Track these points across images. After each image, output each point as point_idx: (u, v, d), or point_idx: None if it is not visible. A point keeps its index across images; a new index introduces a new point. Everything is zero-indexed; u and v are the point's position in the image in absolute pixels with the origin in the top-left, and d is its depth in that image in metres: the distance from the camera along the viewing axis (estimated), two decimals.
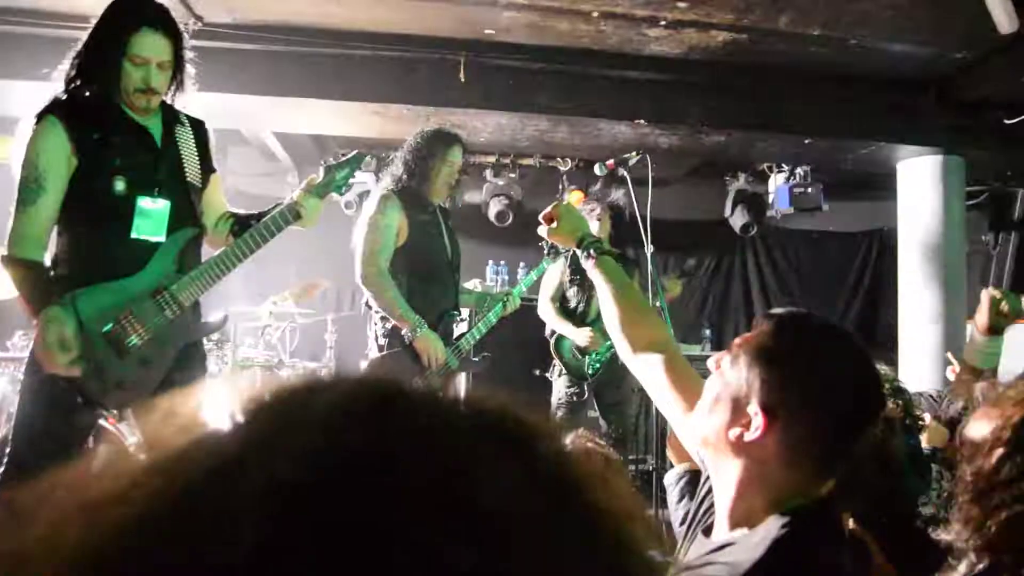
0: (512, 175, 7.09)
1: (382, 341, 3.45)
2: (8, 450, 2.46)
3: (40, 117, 2.39)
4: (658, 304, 3.86)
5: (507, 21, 4.56)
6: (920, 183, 5.82)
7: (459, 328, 3.71)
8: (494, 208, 6.97)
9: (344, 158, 2.74)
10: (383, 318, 3.43)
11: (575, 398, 4.52)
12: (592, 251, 1.81)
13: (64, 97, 2.44)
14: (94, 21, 2.44)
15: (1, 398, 4.34)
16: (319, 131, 6.13)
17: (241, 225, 2.63)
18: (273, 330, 5.43)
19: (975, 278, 5.91)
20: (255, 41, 4.71)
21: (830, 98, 5.28)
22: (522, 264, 6.93)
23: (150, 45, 2.37)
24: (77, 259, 2.41)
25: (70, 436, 2.44)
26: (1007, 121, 5.08)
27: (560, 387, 4.58)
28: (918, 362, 5.74)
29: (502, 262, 6.91)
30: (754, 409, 1.20)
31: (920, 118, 5.35)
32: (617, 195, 4.43)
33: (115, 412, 2.53)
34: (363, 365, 3.47)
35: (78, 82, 2.40)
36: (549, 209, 1.92)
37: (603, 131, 5.46)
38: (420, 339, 3.37)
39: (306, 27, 4.76)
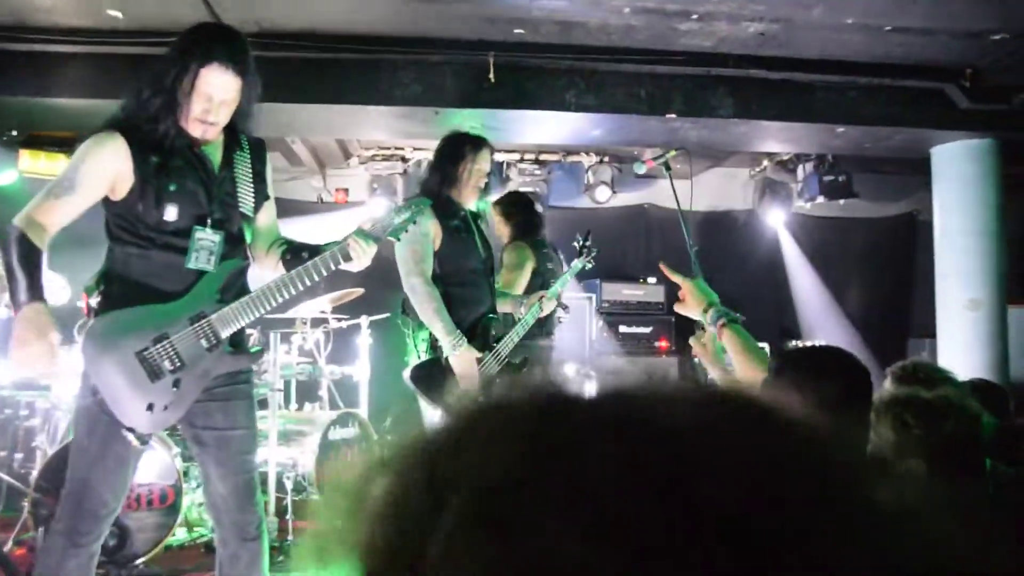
0: (537, 172, 7.06)
1: (422, 347, 3.43)
2: (69, 472, 2.49)
3: (105, 128, 2.40)
4: None
5: (536, 20, 4.52)
6: (955, 168, 5.74)
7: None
8: None
9: (407, 205, 2.68)
10: (425, 326, 3.40)
11: None
12: (724, 319, 1.95)
13: (131, 116, 2.44)
14: (172, 42, 2.43)
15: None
16: (345, 135, 6.11)
17: (293, 253, 2.60)
18: (308, 335, 5.43)
19: (1013, 264, 5.83)
20: (282, 49, 4.69)
21: (863, 86, 5.21)
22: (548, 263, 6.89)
23: (217, 82, 2.36)
24: (128, 280, 2.41)
25: (121, 453, 2.45)
26: None
27: None
28: (957, 349, 5.68)
29: None
30: None
31: (955, 103, 5.27)
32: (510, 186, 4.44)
33: (141, 434, 2.51)
34: (406, 374, 3.44)
35: (145, 102, 2.39)
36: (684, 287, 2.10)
37: (633, 126, 5.41)
38: (458, 357, 3.33)
39: (332, 33, 4.73)
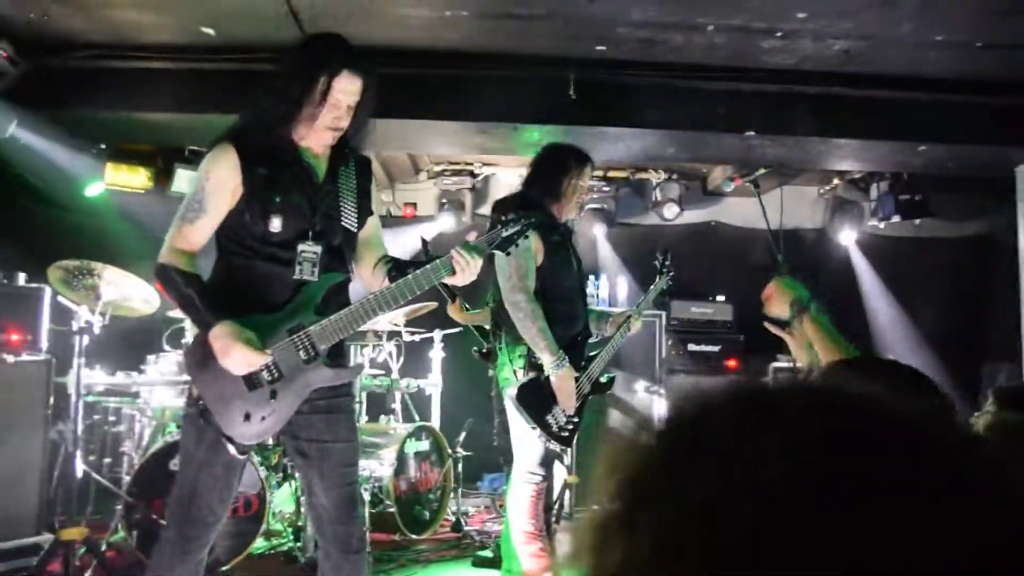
0: (606, 189, 7.06)
1: (519, 363, 3.39)
2: (178, 479, 2.54)
3: (218, 142, 2.47)
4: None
5: (619, 38, 4.54)
6: None
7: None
8: (589, 222, 6.95)
9: (516, 218, 2.63)
10: (524, 343, 3.36)
11: None
12: (809, 310, 1.98)
13: (246, 127, 2.51)
14: (284, 58, 2.50)
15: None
16: (423, 150, 6.19)
17: (399, 270, 2.61)
18: (382, 348, 5.49)
19: None
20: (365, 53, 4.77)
21: (948, 102, 5.11)
22: (622, 278, 6.90)
23: (349, 88, 2.43)
24: (231, 291, 2.45)
25: (229, 462, 2.50)
26: None
27: None
28: None
29: (600, 275, 6.86)
30: None
31: None
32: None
33: (240, 444, 2.54)
34: (510, 392, 3.42)
35: (266, 114, 2.46)
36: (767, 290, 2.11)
37: (709, 143, 5.39)
38: (560, 376, 3.30)
39: (416, 49, 4.79)
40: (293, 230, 2.48)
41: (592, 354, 3.60)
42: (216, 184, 2.43)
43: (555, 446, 3.38)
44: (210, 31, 4.59)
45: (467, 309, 4.72)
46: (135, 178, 6.10)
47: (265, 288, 2.48)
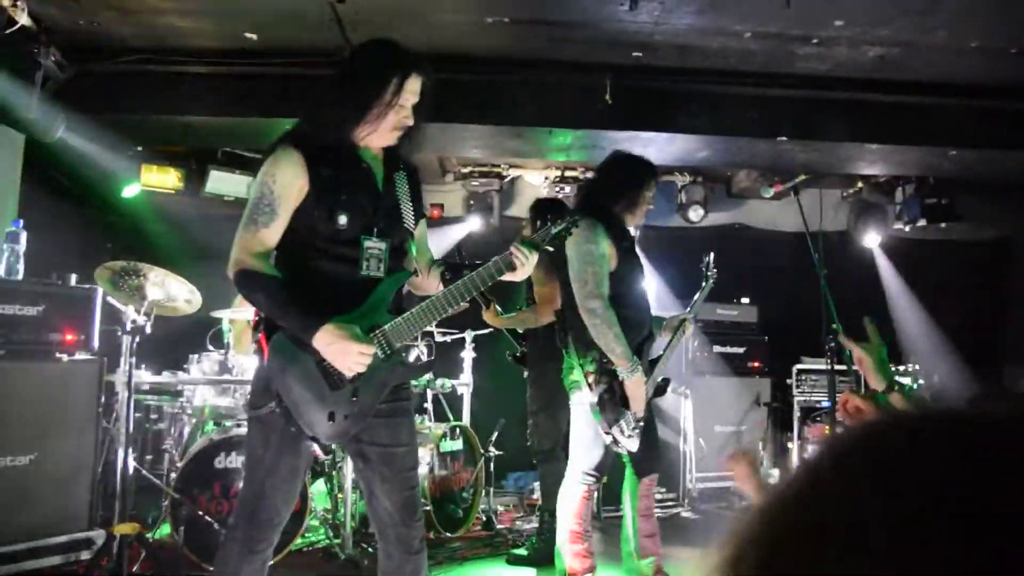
0: None
1: (590, 369, 3.41)
2: (245, 480, 2.60)
3: (279, 145, 2.50)
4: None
5: (656, 44, 4.59)
6: None
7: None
8: None
9: (563, 217, 2.67)
10: (595, 348, 3.38)
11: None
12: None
13: (302, 130, 2.57)
14: (347, 61, 2.56)
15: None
16: (456, 152, 6.25)
17: (452, 271, 2.65)
18: (414, 348, 5.55)
19: None
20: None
21: (979, 108, 5.15)
22: (649, 280, 6.93)
23: (415, 89, 2.50)
24: (302, 287, 2.46)
25: (295, 465, 2.56)
26: None
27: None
28: None
29: None
30: None
31: None
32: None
33: (325, 443, 2.62)
34: (588, 399, 3.45)
35: (332, 117, 2.49)
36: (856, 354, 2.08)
37: (741, 148, 5.44)
38: (633, 382, 3.34)
39: (453, 54, 4.86)
40: (359, 227, 2.52)
41: (654, 358, 3.66)
42: (283, 185, 2.47)
43: (622, 449, 3.45)
44: (252, 36, 4.66)
45: (501, 314, 4.80)
46: (167, 179, 6.19)
47: (335, 287, 2.50)
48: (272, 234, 2.47)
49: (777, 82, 4.97)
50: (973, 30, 4.36)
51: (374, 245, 2.56)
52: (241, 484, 2.59)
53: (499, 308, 4.86)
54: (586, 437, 3.49)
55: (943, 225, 6.72)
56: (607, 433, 3.36)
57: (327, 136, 2.51)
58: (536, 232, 2.68)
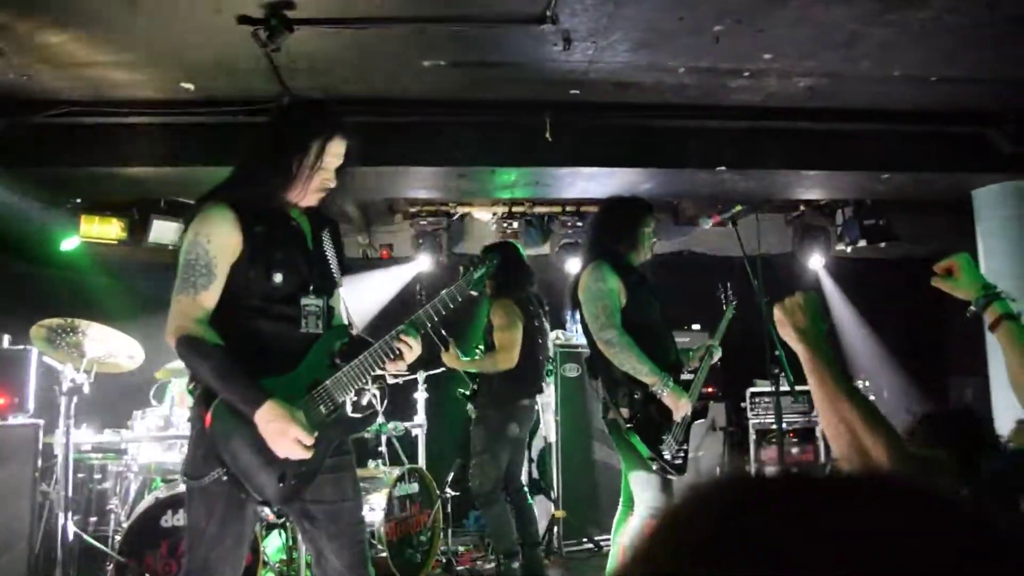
0: (579, 224, 7.17)
1: (623, 403, 3.50)
2: (188, 555, 2.52)
3: (208, 203, 2.47)
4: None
5: (592, 82, 4.67)
6: (997, 210, 5.82)
7: None
8: (564, 257, 7.05)
9: (481, 261, 2.71)
10: (625, 380, 3.47)
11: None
12: (1000, 310, 1.73)
13: (233, 188, 2.54)
14: (271, 125, 2.55)
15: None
16: (403, 194, 6.25)
17: (353, 348, 2.58)
18: (366, 392, 5.49)
19: None
20: (345, 114, 4.82)
21: (908, 133, 5.32)
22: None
23: (339, 151, 2.50)
24: (241, 347, 2.41)
25: (240, 532, 2.49)
26: None
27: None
28: (1008, 389, 5.68)
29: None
30: None
31: (998, 147, 5.37)
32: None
33: (277, 506, 2.56)
34: (623, 434, 3.53)
35: (262, 177, 2.49)
36: (949, 260, 1.87)
37: (683, 179, 5.53)
38: (670, 394, 3.46)
39: (393, 99, 4.88)
40: (294, 284, 2.50)
41: (686, 379, 3.77)
42: (219, 245, 2.44)
43: (672, 475, 3.51)
44: (189, 86, 4.63)
45: (461, 356, 4.87)
46: (109, 229, 6.08)
47: (275, 346, 2.47)
48: (211, 296, 2.42)
49: (713, 114, 5.08)
50: (895, 60, 4.52)
51: (312, 302, 2.54)
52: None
53: (458, 351, 4.92)
54: (640, 474, 3.54)
55: (883, 245, 6.88)
56: (652, 460, 3.43)
57: (258, 200, 2.50)
58: (461, 278, 2.70)
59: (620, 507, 3.76)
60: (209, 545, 2.44)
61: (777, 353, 3.94)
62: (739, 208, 3.94)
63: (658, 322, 3.73)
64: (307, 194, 2.52)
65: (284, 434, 2.31)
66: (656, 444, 3.46)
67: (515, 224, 7.03)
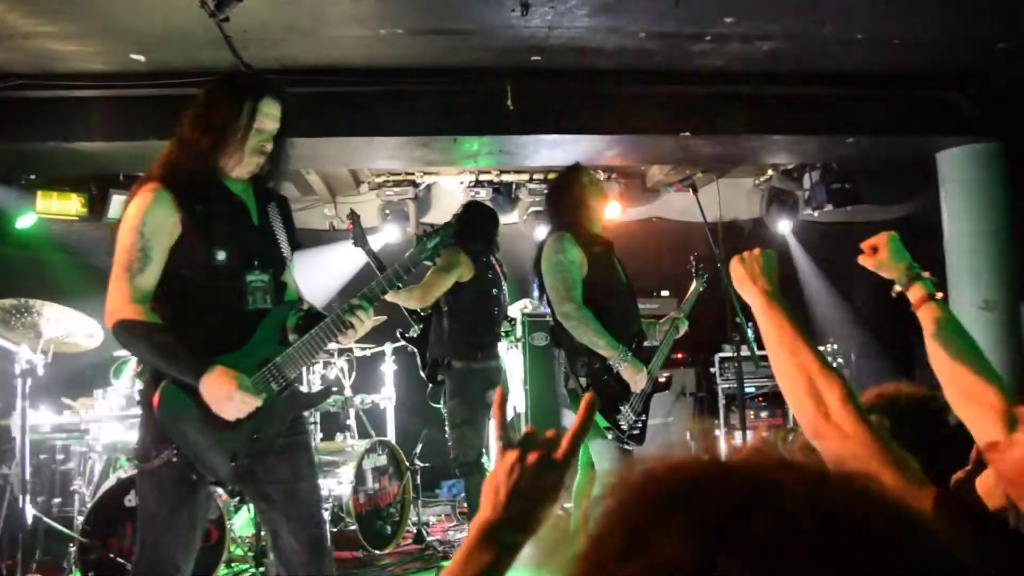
0: (547, 191, 7.12)
1: (582, 373, 3.57)
2: (140, 538, 2.49)
3: (145, 185, 2.43)
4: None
5: (553, 48, 4.59)
6: (961, 172, 5.83)
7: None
8: (532, 225, 7.01)
9: (434, 229, 2.72)
10: (584, 351, 3.51)
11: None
12: (924, 288, 1.71)
13: (168, 167, 2.48)
14: (199, 98, 2.48)
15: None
16: (364, 165, 6.17)
17: (308, 321, 2.59)
18: (333, 365, 5.47)
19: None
20: (302, 84, 4.73)
21: (871, 96, 5.30)
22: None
23: (272, 112, 2.48)
24: (187, 328, 2.40)
25: (192, 514, 2.47)
26: None
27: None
28: None
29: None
30: None
31: (960, 109, 5.37)
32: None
33: (230, 485, 2.55)
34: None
35: (193, 146, 2.44)
36: (875, 238, 1.84)
37: (647, 145, 5.49)
38: (628, 366, 3.49)
39: (351, 67, 4.79)
40: (239, 261, 2.47)
41: (650, 356, 3.79)
42: (155, 228, 2.39)
43: (629, 445, 3.53)
44: (140, 58, 4.51)
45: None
46: (68, 205, 5.95)
47: (222, 324, 2.45)
48: (149, 280, 2.38)
49: (677, 79, 5.02)
50: (856, 23, 4.47)
51: (257, 278, 2.52)
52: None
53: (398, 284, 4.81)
54: (598, 442, 3.58)
55: (849, 209, 6.91)
56: (608, 430, 3.46)
57: (193, 168, 2.44)
58: (414, 247, 2.68)
59: (579, 472, 3.78)
60: (161, 528, 2.42)
61: (738, 319, 3.96)
62: (700, 174, 3.93)
63: (621, 292, 3.73)
64: (244, 158, 2.48)
65: (229, 398, 2.30)
66: (613, 414, 3.48)
67: (482, 193, 6.98)
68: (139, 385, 4.49)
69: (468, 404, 4.65)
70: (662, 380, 3.83)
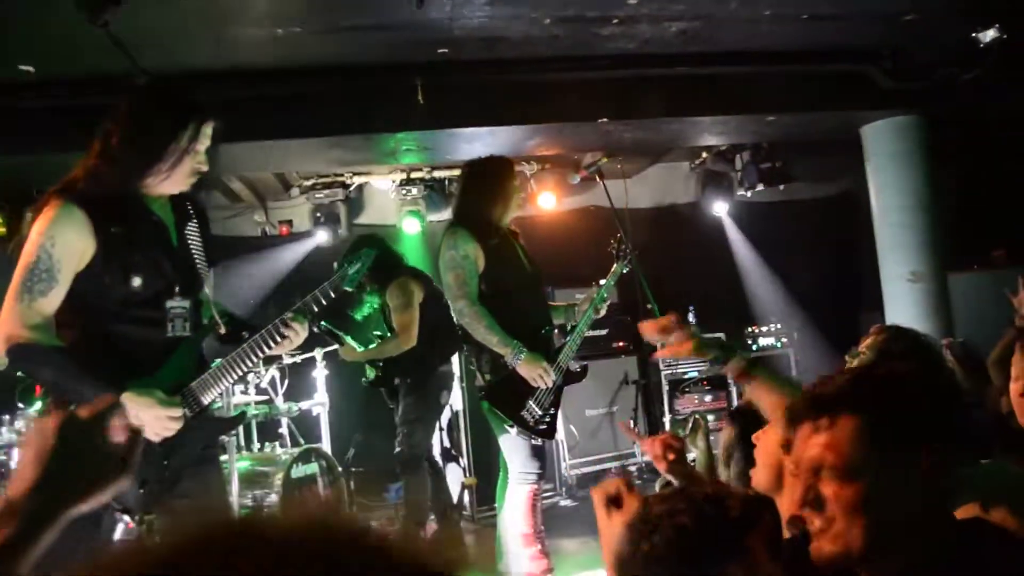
0: None
1: (486, 369, 3.53)
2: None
3: (57, 201, 2.27)
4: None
5: (459, 40, 4.52)
6: (885, 146, 5.86)
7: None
8: None
9: (356, 259, 2.65)
10: (485, 349, 3.47)
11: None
12: (743, 364, 1.75)
13: (83, 183, 2.33)
14: (129, 110, 2.35)
15: None
16: (283, 168, 6.05)
17: (236, 329, 2.56)
18: (263, 374, 5.37)
19: (950, 233, 5.95)
20: (207, 91, 4.60)
21: (787, 73, 5.29)
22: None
23: (208, 132, 2.39)
24: (99, 354, 2.30)
25: (93, 540, 2.37)
26: (964, 78, 5.10)
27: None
28: (904, 320, 5.78)
29: None
30: None
31: (877, 83, 5.37)
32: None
33: (137, 514, 2.46)
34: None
35: (100, 168, 2.30)
36: (657, 321, 1.83)
37: (566, 133, 5.44)
38: (523, 363, 3.43)
39: (256, 70, 4.67)
40: (157, 287, 2.37)
41: (559, 345, 3.69)
42: (64, 248, 2.25)
43: (537, 440, 3.47)
44: (29, 68, 4.36)
45: (362, 347, 4.92)
46: None
47: (137, 352, 2.34)
48: (51, 303, 2.25)
49: (590, 64, 4.97)
50: (763, 0, 4.45)
51: (177, 305, 2.42)
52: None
53: (355, 343, 4.90)
54: (505, 439, 3.53)
55: (781, 187, 6.92)
56: (511, 426, 3.40)
57: (116, 185, 2.32)
58: (335, 274, 2.60)
59: (500, 472, 3.73)
60: (59, 561, 2.32)
61: (649, 306, 3.92)
62: (605, 159, 3.88)
63: (523, 285, 3.66)
64: (176, 179, 2.37)
65: (157, 417, 2.23)
66: (516, 410, 3.42)
67: (414, 190, 6.89)
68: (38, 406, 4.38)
69: (423, 402, 4.71)
70: (576, 370, 3.74)
